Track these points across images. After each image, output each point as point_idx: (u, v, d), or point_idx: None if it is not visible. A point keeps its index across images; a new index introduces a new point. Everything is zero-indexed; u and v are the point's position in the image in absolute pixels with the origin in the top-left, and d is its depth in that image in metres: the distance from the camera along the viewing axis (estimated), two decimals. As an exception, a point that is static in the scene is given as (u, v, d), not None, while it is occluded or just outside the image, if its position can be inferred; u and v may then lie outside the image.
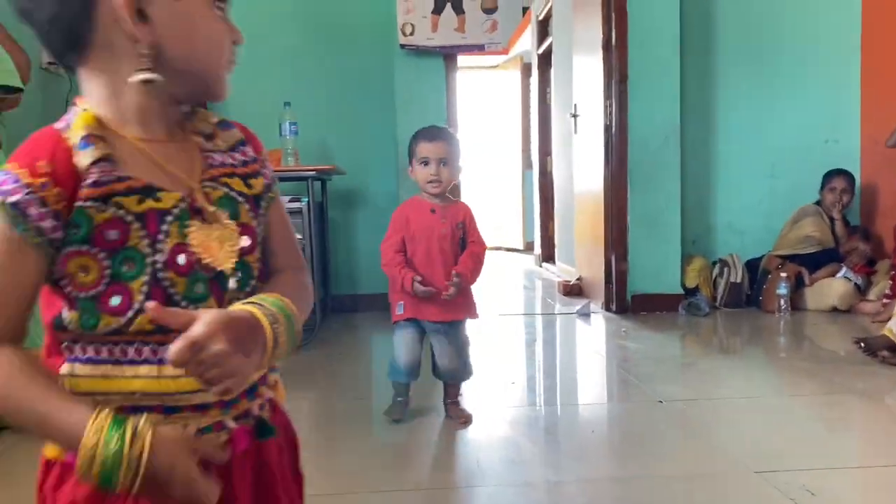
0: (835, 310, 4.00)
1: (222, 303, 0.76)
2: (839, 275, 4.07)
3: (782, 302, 4.01)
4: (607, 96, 4.21)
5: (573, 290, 4.91)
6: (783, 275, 4.05)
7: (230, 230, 0.78)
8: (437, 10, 4.04)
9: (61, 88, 3.67)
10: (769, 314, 4.08)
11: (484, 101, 8.73)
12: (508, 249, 8.67)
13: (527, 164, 8.20)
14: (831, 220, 4.26)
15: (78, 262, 0.71)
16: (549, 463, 2.03)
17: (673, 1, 4.16)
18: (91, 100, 0.76)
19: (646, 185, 4.17)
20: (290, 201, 3.50)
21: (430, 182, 2.21)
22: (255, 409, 0.80)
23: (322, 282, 4.06)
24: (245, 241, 0.79)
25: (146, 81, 0.73)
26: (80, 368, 0.72)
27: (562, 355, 3.45)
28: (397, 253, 2.20)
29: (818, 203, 4.32)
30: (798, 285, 4.14)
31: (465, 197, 4.49)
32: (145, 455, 0.65)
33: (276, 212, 0.87)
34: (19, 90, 2.34)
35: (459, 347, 2.29)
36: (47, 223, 0.69)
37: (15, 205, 0.68)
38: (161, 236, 0.73)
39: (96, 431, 0.65)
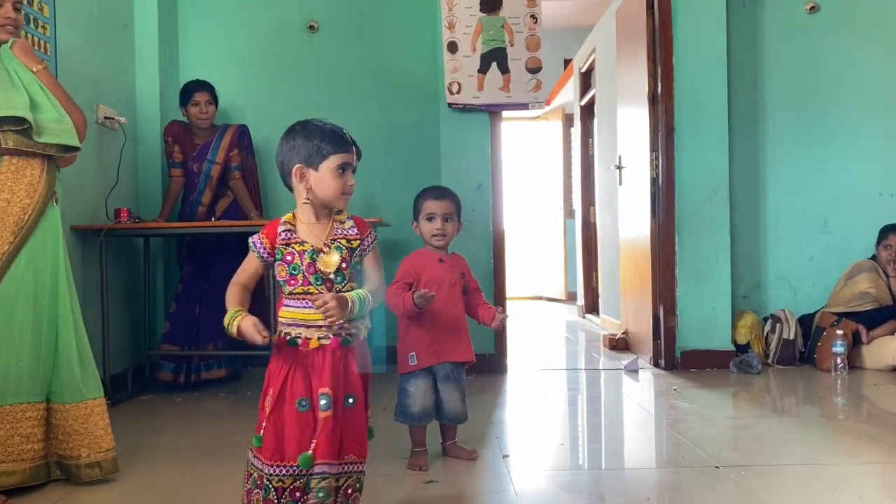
0: (894, 369, 3.85)
1: (331, 290, 1.67)
2: (899, 332, 3.93)
3: (838, 360, 3.88)
4: (654, 148, 4.18)
5: (619, 345, 4.82)
6: (839, 332, 3.92)
7: (331, 259, 1.68)
8: (483, 70, 4.08)
9: (116, 143, 3.77)
10: (824, 373, 3.94)
11: (526, 151, 8.76)
12: (550, 299, 8.59)
13: (568, 213, 8.17)
14: (887, 276, 4.13)
15: (280, 268, 1.69)
16: (602, 533, 1.95)
17: (720, 53, 4.14)
18: (297, 208, 1.74)
19: (694, 238, 4.10)
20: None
21: (435, 235, 2.45)
22: (341, 333, 1.66)
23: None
24: (337, 262, 1.69)
25: (305, 203, 1.71)
26: (285, 308, 1.69)
27: (609, 414, 3.35)
28: (403, 288, 2.40)
29: (873, 258, 4.19)
30: (855, 343, 4.00)
31: (509, 246, 4.48)
32: (235, 322, 1.64)
33: (371, 256, 1.79)
34: (76, 148, 2.40)
35: (463, 391, 2.50)
36: (263, 253, 1.71)
37: (254, 245, 1.72)
38: (306, 257, 1.68)
39: (229, 314, 1.66)
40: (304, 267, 1.67)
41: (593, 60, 6.39)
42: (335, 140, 1.70)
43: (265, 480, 1.62)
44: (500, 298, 4.18)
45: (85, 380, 2.36)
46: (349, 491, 1.67)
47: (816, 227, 4.42)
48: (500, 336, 4.17)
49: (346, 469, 1.65)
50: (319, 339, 1.64)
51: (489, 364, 4.12)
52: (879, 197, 4.40)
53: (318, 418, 1.61)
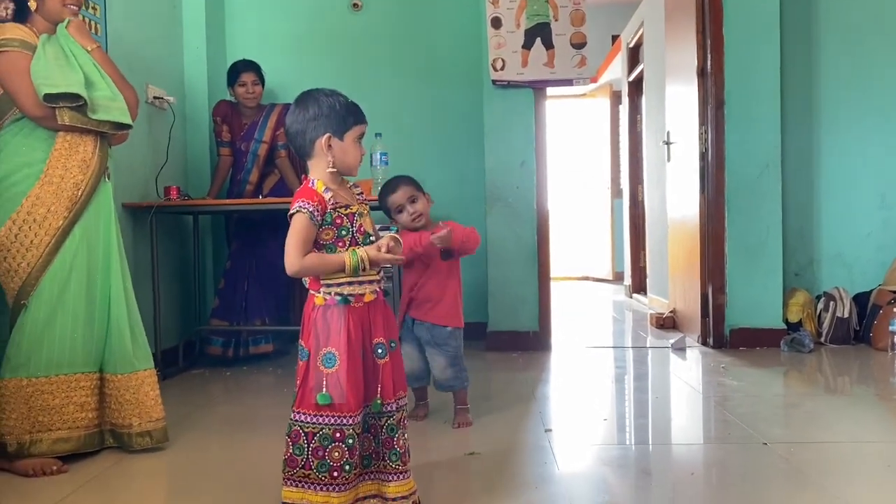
0: (955, 349, 3.72)
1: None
2: (960, 311, 3.79)
3: (895, 339, 3.75)
4: (703, 123, 4.09)
5: (666, 323, 4.75)
6: (895, 310, 3.80)
7: (369, 220, 1.80)
8: (527, 46, 4.03)
9: (165, 122, 3.84)
10: (880, 352, 3.82)
11: (572, 130, 8.66)
12: (597, 280, 8.51)
13: (616, 192, 8.06)
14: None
15: (328, 231, 1.71)
16: (645, 506, 1.94)
17: (772, 22, 4.01)
18: (314, 175, 1.76)
19: (744, 214, 4.01)
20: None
21: (415, 220, 2.57)
22: (381, 285, 1.79)
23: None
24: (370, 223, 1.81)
25: (332, 171, 1.75)
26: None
27: (656, 391, 3.31)
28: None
29: (935, 234, 4.04)
30: (913, 322, 3.87)
31: (555, 226, 4.45)
32: (365, 256, 1.69)
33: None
34: (129, 126, 2.45)
35: (452, 358, 2.62)
36: (318, 218, 1.69)
37: (309, 211, 1.68)
38: (355, 221, 1.75)
39: (348, 256, 1.69)
40: (354, 228, 1.73)
41: (641, 35, 6.26)
42: (357, 112, 1.79)
43: (347, 432, 1.67)
44: (544, 278, 4.15)
45: (136, 351, 2.43)
46: (404, 422, 1.81)
47: (874, 202, 4.27)
48: (544, 314, 4.15)
49: (400, 404, 1.79)
50: (371, 292, 1.75)
51: (533, 341, 4.10)
52: (941, 170, 4.23)
53: (378, 365, 1.75)
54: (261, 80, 4.01)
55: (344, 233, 1.71)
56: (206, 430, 2.68)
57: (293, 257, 1.66)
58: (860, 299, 4.10)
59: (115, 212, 2.46)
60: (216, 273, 4.29)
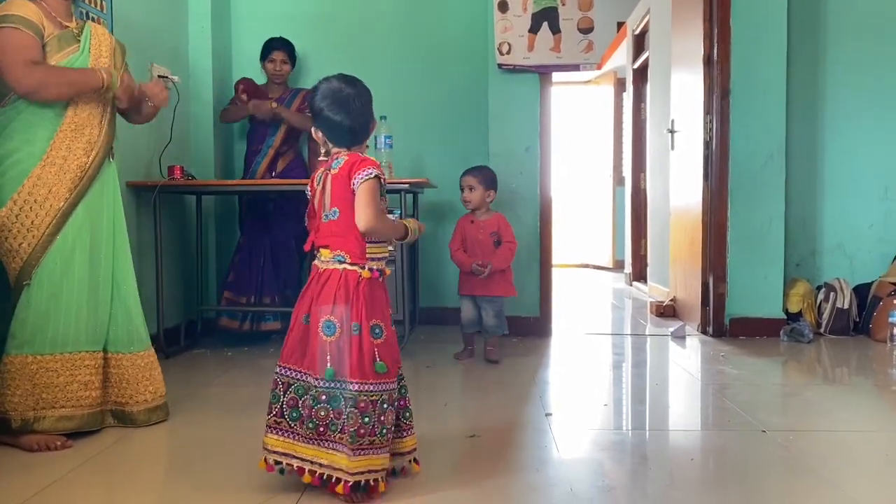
0: (954, 341, 3.73)
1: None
2: (960, 304, 3.80)
3: (895, 331, 3.77)
4: (707, 111, 4.08)
5: (666, 312, 4.76)
6: (895, 302, 3.81)
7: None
8: (534, 30, 4.01)
9: (170, 101, 3.82)
10: (879, 343, 3.84)
11: (577, 117, 8.63)
12: (597, 267, 8.52)
13: (618, 180, 8.05)
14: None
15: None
16: (644, 491, 1.95)
17: (780, 12, 4.00)
18: (362, 152, 1.91)
19: (747, 204, 4.01)
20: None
21: (465, 203, 3.47)
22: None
23: (411, 292, 4.07)
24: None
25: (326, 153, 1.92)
26: (377, 245, 1.86)
27: (654, 378, 3.33)
28: (458, 247, 3.45)
29: (937, 227, 4.04)
30: (912, 314, 3.88)
31: (556, 212, 4.45)
32: (410, 225, 1.96)
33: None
34: None
35: (498, 312, 3.43)
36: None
37: (380, 178, 1.81)
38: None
39: (407, 222, 1.97)
40: (386, 202, 1.94)
41: (647, 22, 6.23)
42: None
43: (394, 395, 1.85)
44: (546, 262, 4.16)
45: (139, 330, 2.47)
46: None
47: (877, 194, 4.27)
48: (545, 300, 4.16)
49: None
50: (389, 269, 1.93)
51: (534, 327, 4.11)
52: (945, 164, 4.22)
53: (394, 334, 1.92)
54: (291, 59, 4.12)
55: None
56: (206, 408, 2.70)
57: (372, 218, 1.78)
58: (860, 291, 4.11)
59: (119, 192, 2.47)
60: (219, 253, 4.30)
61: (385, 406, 1.79)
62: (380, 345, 1.80)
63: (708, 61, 4.09)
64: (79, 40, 2.35)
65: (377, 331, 1.80)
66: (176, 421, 2.50)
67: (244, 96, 4.03)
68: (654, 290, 5.80)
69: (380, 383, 1.79)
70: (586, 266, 8.68)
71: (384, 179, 1.84)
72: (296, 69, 4.29)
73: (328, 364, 1.77)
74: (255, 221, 4.05)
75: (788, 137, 4.06)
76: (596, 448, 2.26)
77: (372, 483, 1.77)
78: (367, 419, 1.76)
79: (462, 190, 3.42)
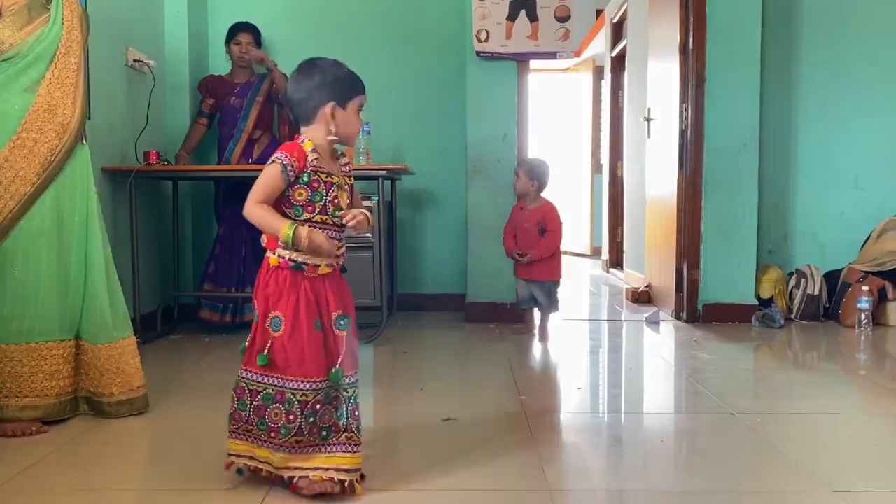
0: (920, 327, 3.82)
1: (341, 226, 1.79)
2: (926, 290, 3.89)
3: (863, 316, 3.85)
4: (683, 100, 4.12)
5: (641, 298, 4.82)
6: (864, 288, 3.89)
7: (346, 195, 1.81)
8: (512, 17, 4.02)
9: (146, 86, 3.81)
10: (848, 329, 3.92)
11: (554, 104, 8.66)
12: (575, 254, 8.58)
13: (596, 168, 8.10)
14: (919, 232, 4.06)
15: (299, 192, 1.73)
16: (616, 472, 2.00)
17: (754, 4, 4.04)
18: (307, 136, 1.77)
19: (721, 192, 4.06)
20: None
21: (514, 190, 3.77)
22: (340, 262, 1.81)
23: (389, 278, 4.09)
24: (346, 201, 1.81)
25: (332, 139, 1.79)
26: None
27: (629, 363, 3.38)
28: (508, 233, 3.76)
29: (904, 215, 4.13)
30: (881, 300, 3.96)
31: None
32: (304, 235, 1.69)
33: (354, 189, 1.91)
34: None
35: (547, 293, 3.70)
36: (292, 173, 1.71)
37: (283, 164, 1.70)
38: (333, 190, 1.75)
39: (285, 229, 1.68)
40: (329, 197, 1.74)
41: (625, 11, 6.26)
42: (358, 82, 1.82)
43: (288, 395, 1.70)
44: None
45: (115, 320, 2.37)
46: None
47: (847, 183, 4.35)
48: (522, 286, 4.20)
49: (354, 379, 1.80)
50: (327, 265, 1.75)
51: (510, 313, 4.14)
52: (914, 153, 4.31)
53: (338, 336, 1.75)
54: (257, 43, 4.03)
55: (317, 199, 1.73)
56: (183, 396, 2.70)
57: (250, 201, 1.70)
58: (831, 277, 4.19)
59: (93, 176, 2.39)
60: (196, 239, 4.28)
61: (269, 402, 1.71)
62: (276, 338, 1.70)
63: (683, 50, 4.13)
64: (48, 9, 2.27)
65: (276, 323, 1.71)
66: (153, 409, 2.48)
67: (210, 100, 4.02)
68: (630, 277, 5.86)
69: (262, 375, 1.72)
70: (565, 253, 8.72)
71: (292, 167, 1.68)
72: (272, 56, 4.26)
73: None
74: (234, 211, 4.01)
75: (762, 126, 4.11)
76: (570, 431, 2.30)
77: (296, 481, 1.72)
78: (241, 406, 1.73)
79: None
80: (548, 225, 3.62)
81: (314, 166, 1.72)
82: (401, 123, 4.44)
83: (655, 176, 4.71)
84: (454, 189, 4.40)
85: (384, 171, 3.57)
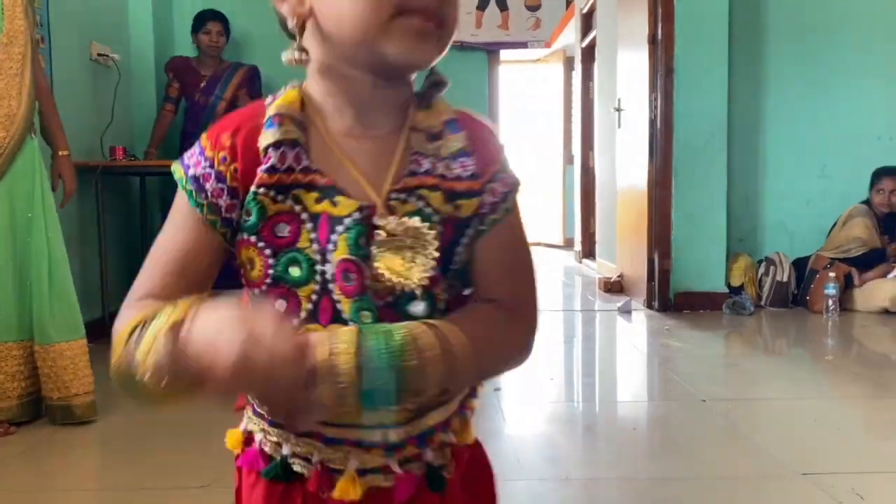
0: (885, 311, 3.89)
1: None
2: (890, 275, 3.96)
3: (830, 302, 3.91)
4: (652, 90, 4.15)
5: (614, 287, 4.85)
6: (831, 275, 3.95)
7: (424, 241, 0.63)
8: (482, 7, 4.03)
9: (111, 79, 3.75)
10: (816, 315, 3.98)
11: (526, 95, 8.68)
12: (548, 245, 8.62)
13: (568, 158, 8.13)
14: (883, 218, 4.14)
15: (246, 254, 0.66)
16: (589, 460, 2.01)
17: (722, -7, 4.08)
18: (307, 82, 0.70)
19: (691, 182, 4.10)
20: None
21: None
22: (427, 455, 0.67)
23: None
24: (431, 264, 0.63)
25: (325, 69, 0.67)
26: None
27: (602, 352, 3.41)
28: None
29: (867, 202, 4.20)
30: (847, 286, 4.03)
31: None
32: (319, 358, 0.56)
33: (498, 235, 0.70)
34: None
35: None
36: (223, 200, 0.65)
37: (195, 178, 0.66)
38: (331, 246, 0.63)
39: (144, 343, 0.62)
40: (335, 261, 0.64)
41: (595, 1, 6.27)
42: None
43: None
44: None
45: (59, 321, 2.24)
46: None
47: (814, 171, 4.42)
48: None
49: None
50: (364, 473, 0.66)
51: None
52: (878, 140, 4.38)
53: None
54: (226, 32, 3.96)
55: (291, 272, 0.65)
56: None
57: (123, 303, 0.71)
58: (799, 264, 4.25)
59: (43, 169, 2.28)
60: (165, 236, 4.23)
61: None
62: None
63: (652, 40, 4.15)
64: None
65: None
66: (110, 411, 2.41)
67: (176, 84, 3.92)
68: (602, 267, 5.90)
69: None
70: (538, 244, 8.78)
71: (215, 179, 0.66)
72: (238, 46, 4.22)
73: None
74: None
75: (730, 117, 4.16)
76: (544, 420, 2.32)
77: None
78: None
79: None
80: None
81: (270, 175, 0.65)
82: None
83: (626, 166, 4.75)
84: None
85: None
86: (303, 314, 0.64)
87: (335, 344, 0.55)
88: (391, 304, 0.63)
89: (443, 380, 0.59)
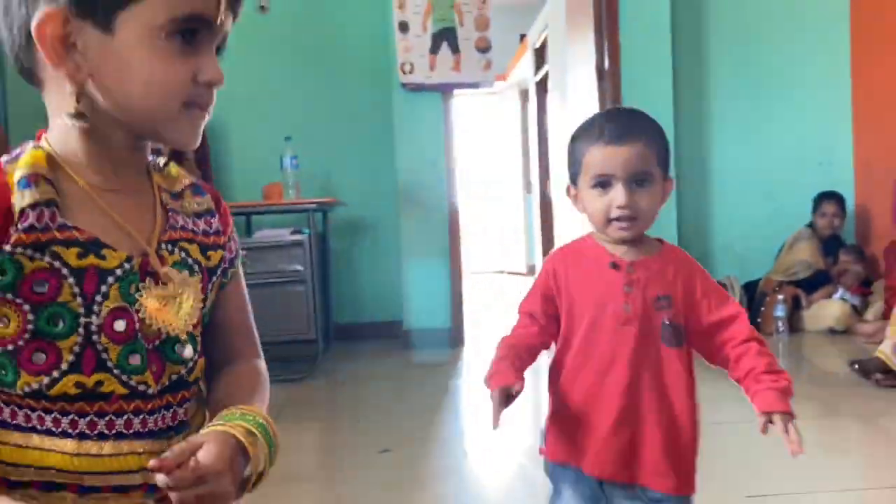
0: (832, 331, 4.03)
1: (162, 375, 0.72)
2: (836, 296, 4.11)
3: (780, 324, 4.04)
4: (602, 123, 4.27)
5: (573, 314, 4.93)
6: (780, 297, 4.09)
7: (189, 292, 0.74)
8: (434, 50, 4.12)
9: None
10: (767, 336, 4.10)
11: (483, 125, 8.82)
12: (511, 273, 8.71)
13: (527, 187, 8.27)
14: (826, 240, 4.30)
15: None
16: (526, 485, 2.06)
17: (664, 26, 4.26)
18: (51, 136, 0.72)
19: (642, 210, 4.21)
20: (291, 233, 3.56)
21: (618, 219, 1.13)
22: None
23: (324, 310, 4.09)
24: (194, 310, 0.74)
25: (77, 118, 0.68)
26: None
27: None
28: (526, 325, 1.22)
29: (811, 225, 4.36)
30: (796, 307, 4.17)
31: (469, 222, 4.57)
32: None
33: (236, 290, 0.85)
34: None
35: None
36: None
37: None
38: (99, 297, 0.69)
39: None
40: (104, 312, 0.69)
41: (546, 36, 6.45)
42: None
43: None
44: (456, 274, 4.26)
45: None
46: None
47: (761, 195, 4.57)
48: (456, 310, 4.26)
49: None
50: None
51: (447, 337, 4.20)
52: (819, 166, 4.56)
53: None
54: None
55: (53, 326, 0.68)
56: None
57: None
58: (749, 287, 4.39)
59: None
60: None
61: None
62: None
63: (600, 74, 4.29)
64: None
65: None
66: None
67: None
68: (563, 294, 5.99)
69: None
70: (501, 272, 8.87)
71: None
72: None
73: None
74: None
75: (677, 146, 4.29)
76: (509, 451, 2.36)
77: None
78: None
79: (603, 185, 1.03)
80: (701, 306, 1.18)
81: (30, 228, 0.67)
82: (330, 154, 4.47)
83: (581, 196, 4.85)
84: (386, 217, 4.45)
85: (314, 205, 3.59)
86: (64, 366, 0.67)
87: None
88: (158, 347, 0.72)
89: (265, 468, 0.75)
